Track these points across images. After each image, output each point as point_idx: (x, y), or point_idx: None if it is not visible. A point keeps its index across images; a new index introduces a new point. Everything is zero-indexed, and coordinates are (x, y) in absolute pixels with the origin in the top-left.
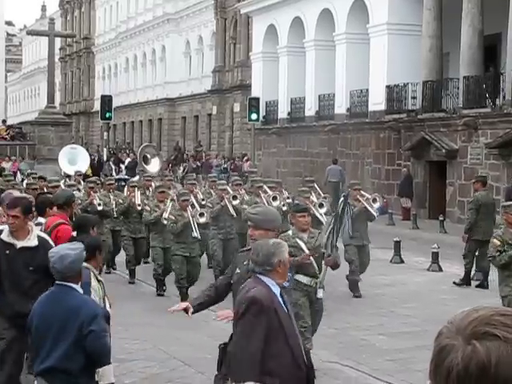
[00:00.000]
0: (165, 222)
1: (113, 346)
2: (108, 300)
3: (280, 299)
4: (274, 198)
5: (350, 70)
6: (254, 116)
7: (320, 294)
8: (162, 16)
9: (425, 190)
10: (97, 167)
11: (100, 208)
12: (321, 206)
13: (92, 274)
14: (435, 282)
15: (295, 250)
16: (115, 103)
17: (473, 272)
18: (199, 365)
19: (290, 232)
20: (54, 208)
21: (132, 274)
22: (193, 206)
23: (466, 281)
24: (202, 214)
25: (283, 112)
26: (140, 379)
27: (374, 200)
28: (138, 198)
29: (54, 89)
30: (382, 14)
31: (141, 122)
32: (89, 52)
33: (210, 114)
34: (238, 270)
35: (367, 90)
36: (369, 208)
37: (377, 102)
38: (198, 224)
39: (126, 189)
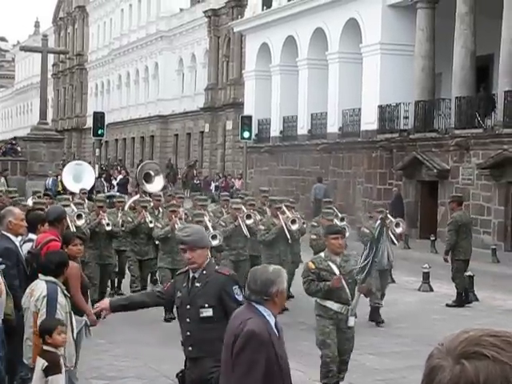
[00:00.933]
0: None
1: (103, 364)
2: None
3: (275, 330)
4: (293, 222)
5: (343, 89)
6: (246, 134)
7: (351, 322)
8: (155, 33)
9: (416, 210)
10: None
11: (108, 228)
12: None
13: (59, 289)
14: (426, 302)
15: (327, 274)
16: (107, 120)
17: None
18: None
19: (322, 254)
20: (46, 225)
21: None
22: (206, 227)
23: (458, 302)
24: (214, 237)
25: (275, 130)
26: None
27: (397, 225)
28: (148, 217)
29: (47, 105)
30: (374, 34)
31: (133, 138)
32: (82, 68)
33: (202, 132)
34: (179, 294)
35: (359, 109)
36: (390, 233)
37: (369, 121)
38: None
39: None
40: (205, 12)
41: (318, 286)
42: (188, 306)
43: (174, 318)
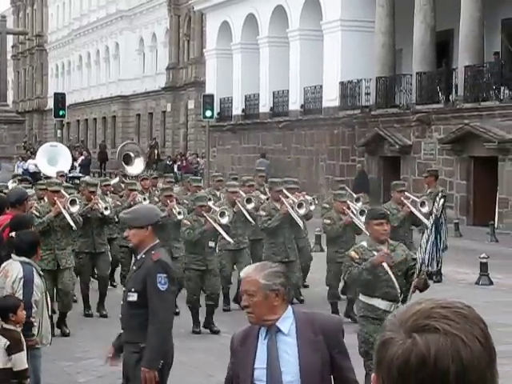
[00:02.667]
0: (179, 216)
1: (69, 345)
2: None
3: (265, 343)
4: (300, 206)
5: (304, 66)
6: (208, 113)
7: None
8: (115, 13)
9: (379, 186)
10: None
11: (107, 213)
12: (362, 213)
13: (34, 269)
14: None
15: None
16: (69, 101)
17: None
18: None
19: (364, 243)
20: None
21: None
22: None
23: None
24: (222, 214)
25: (237, 109)
26: (95, 378)
27: (423, 204)
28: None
29: (7, 87)
30: (335, 11)
31: (95, 119)
32: (41, 49)
33: (164, 112)
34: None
35: (321, 86)
36: (416, 213)
37: (331, 98)
38: (222, 226)
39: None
40: None
41: (359, 268)
42: (123, 288)
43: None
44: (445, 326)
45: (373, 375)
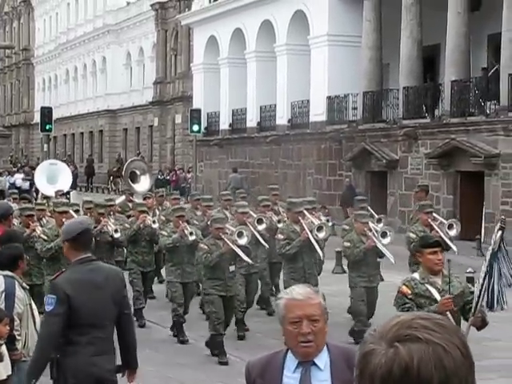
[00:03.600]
0: (191, 237)
1: None
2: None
3: (293, 377)
4: (320, 229)
5: (291, 81)
6: (195, 127)
7: None
8: (102, 27)
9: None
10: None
11: (117, 235)
12: (384, 235)
13: (17, 282)
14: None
15: (426, 302)
16: (55, 115)
17: None
18: None
19: (416, 275)
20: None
21: (140, 314)
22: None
23: None
24: (240, 234)
25: (225, 123)
26: None
27: (451, 226)
28: (149, 221)
29: None
30: (322, 26)
31: (82, 133)
32: (28, 63)
33: (151, 126)
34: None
35: (308, 100)
36: (444, 237)
37: (318, 112)
38: (241, 247)
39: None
40: (152, 5)
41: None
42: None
43: (187, 340)
44: (426, 335)
45: None
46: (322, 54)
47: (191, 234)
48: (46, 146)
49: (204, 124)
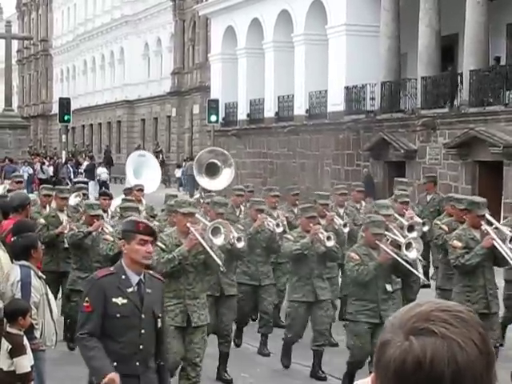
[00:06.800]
0: (330, 243)
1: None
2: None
3: None
4: (328, 238)
5: (309, 71)
6: (213, 118)
7: None
8: (120, 18)
9: (384, 191)
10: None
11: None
12: (410, 228)
13: (32, 272)
14: None
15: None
16: (74, 106)
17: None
18: None
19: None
20: None
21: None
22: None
23: None
24: (239, 239)
25: (242, 113)
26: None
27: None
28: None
29: (12, 92)
30: (340, 15)
31: (100, 124)
32: (46, 54)
33: (169, 116)
34: (121, 301)
35: (326, 91)
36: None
37: (336, 102)
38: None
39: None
40: None
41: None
42: (143, 316)
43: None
44: (442, 329)
45: (372, 375)
46: (340, 43)
47: (328, 238)
48: (64, 136)
49: (222, 114)
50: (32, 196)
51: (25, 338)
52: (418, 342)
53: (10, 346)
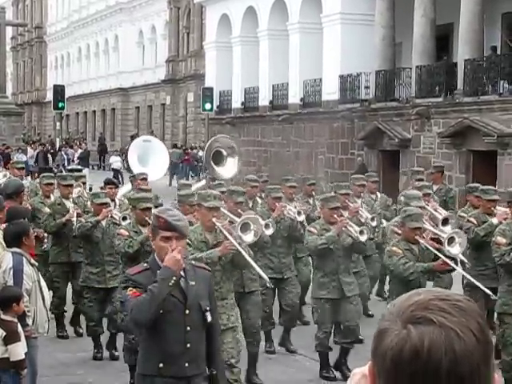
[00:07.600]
0: (363, 237)
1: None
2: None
3: None
4: (361, 233)
5: (304, 59)
6: (207, 106)
7: None
8: (114, 5)
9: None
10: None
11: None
12: (445, 222)
13: (25, 259)
14: None
15: None
16: (68, 93)
17: None
18: None
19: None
20: None
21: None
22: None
23: None
24: (267, 226)
25: (237, 102)
26: (93, 369)
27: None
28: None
29: (6, 78)
30: (335, 4)
31: (94, 112)
32: (41, 41)
33: (163, 104)
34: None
35: (321, 79)
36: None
37: (330, 91)
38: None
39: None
40: None
41: None
42: (187, 311)
43: None
44: (440, 318)
45: (369, 363)
46: (335, 32)
47: (361, 233)
48: (58, 124)
49: (216, 102)
50: (25, 182)
51: (19, 325)
52: (416, 330)
53: (4, 333)
